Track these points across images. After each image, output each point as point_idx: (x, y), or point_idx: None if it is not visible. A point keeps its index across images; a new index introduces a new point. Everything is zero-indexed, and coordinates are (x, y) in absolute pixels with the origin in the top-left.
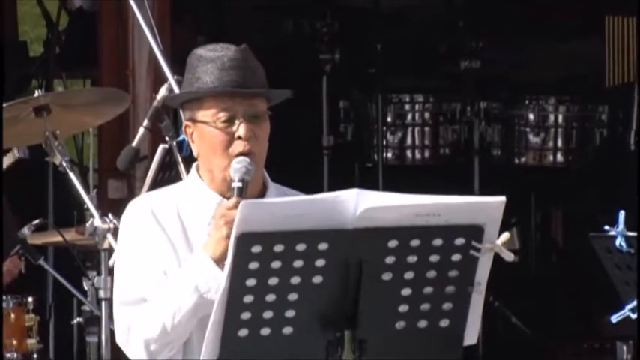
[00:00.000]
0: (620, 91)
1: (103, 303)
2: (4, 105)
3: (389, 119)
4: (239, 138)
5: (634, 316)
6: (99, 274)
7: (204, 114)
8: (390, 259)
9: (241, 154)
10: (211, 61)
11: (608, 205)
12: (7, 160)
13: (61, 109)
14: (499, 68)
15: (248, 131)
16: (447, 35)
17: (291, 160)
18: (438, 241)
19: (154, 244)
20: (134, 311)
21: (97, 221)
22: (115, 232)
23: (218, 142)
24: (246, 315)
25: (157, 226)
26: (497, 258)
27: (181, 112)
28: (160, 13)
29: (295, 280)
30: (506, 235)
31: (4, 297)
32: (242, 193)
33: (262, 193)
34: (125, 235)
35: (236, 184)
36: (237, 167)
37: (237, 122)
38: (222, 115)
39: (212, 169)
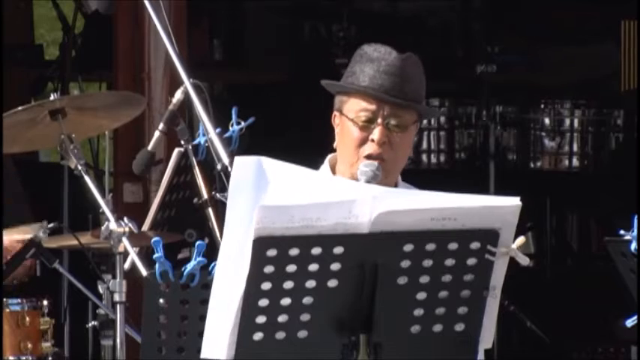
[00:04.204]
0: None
1: (118, 306)
2: (20, 108)
3: None
4: (372, 140)
5: None
6: (114, 277)
7: (349, 108)
8: (405, 263)
9: (370, 156)
10: (371, 60)
11: (624, 209)
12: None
13: (76, 112)
14: (515, 72)
15: (383, 136)
16: (463, 39)
17: (307, 164)
18: (453, 245)
19: None
20: None
21: (112, 225)
22: (129, 235)
23: (353, 139)
24: (261, 319)
25: None
26: (513, 262)
27: (335, 99)
28: (176, 16)
29: (310, 283)
30: (521, 240)
31: (18, 300)
32: None
33: None
34: None
35: None
36: (364, 170)
37: (375, 125)
38: (364, 115)
39: (343, 162)
